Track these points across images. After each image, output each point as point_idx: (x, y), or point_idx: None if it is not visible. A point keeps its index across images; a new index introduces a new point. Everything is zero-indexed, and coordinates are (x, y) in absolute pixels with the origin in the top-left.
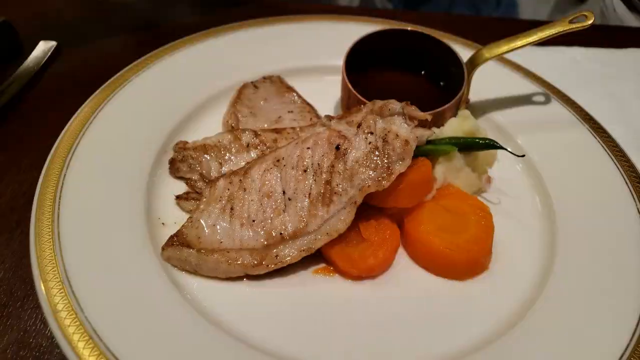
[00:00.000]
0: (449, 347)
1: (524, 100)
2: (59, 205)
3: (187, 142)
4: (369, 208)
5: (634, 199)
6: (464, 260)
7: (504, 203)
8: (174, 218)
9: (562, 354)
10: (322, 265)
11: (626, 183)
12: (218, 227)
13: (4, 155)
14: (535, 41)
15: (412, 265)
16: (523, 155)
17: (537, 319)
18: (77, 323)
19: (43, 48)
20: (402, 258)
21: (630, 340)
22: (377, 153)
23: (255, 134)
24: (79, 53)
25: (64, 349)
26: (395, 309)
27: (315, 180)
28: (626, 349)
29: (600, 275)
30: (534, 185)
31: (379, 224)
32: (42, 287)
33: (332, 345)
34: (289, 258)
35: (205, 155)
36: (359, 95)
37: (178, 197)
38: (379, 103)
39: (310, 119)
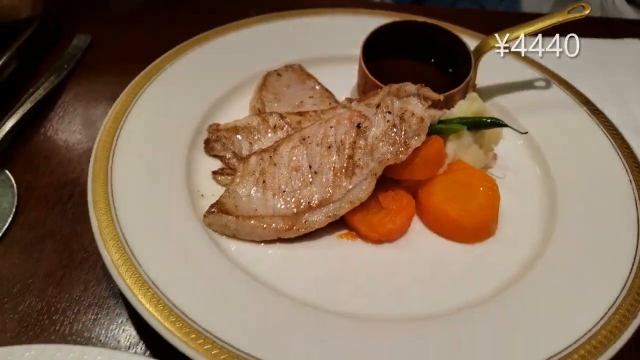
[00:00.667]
0: (459, 300)
1: (526, 85)
2: (111, 181)
3: (219, 124)
4: (387, 180)
5: (625, 169)
6: (472, 225)
7: (508, 177)
8: (211, 191)
9: (561, 304)
10: (346, 231)
11: (619, 156)
12: (253, 197)
13: (50, 141)
14: (536, 30)
15: (426, 231)
16: (526, 132)
17: (539, 275)
18: (136, 275)
19: (78, 42)
20: (416, 225)
21: (620, 292)
22: (394, 130)
23: (281, 116)
24: (112, 46)
25: (129, 298)
26: (412, 268)
27: (338, 155)
28: (616, 299)
29: (595, 236)
30: (535, 161)
31: (396, 194)
32: (104, 248)
33: (355, 297)
34: (316, 223)
35: (237, 136)
36: (375, 80)
37: (214, 173)
38: (395, 86)
39: (330, 103)
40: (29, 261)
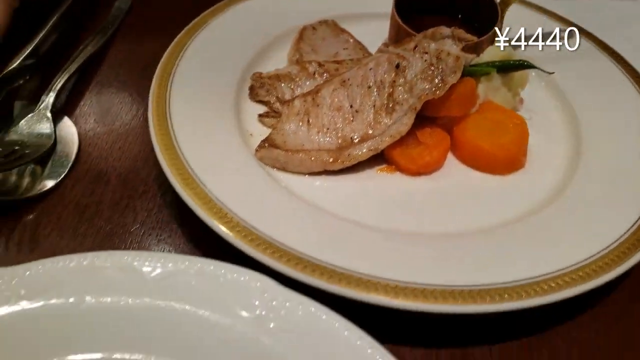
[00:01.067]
0: (491, 221)
1: (549, 35)
2: (171, 121)
3: (262, 73)
4: (424, 119)
5: None
6: (504, 157)
7: (534, 119)
8: (259, 132)
9: (586, 224)
10: (385, 165)
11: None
12: (299, 133)
13: (104, 92)
14: None
15: (460, 165)
16: (552, 73)
17: (566, 199)
18: (202, 195)
19: (119, 4)
20: (451, 160)
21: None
22: (432, 68)
23: (319, 64)
24: (152, 7)
25: (199, 214)
26: (448, 195)
27: (378, 94)
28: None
29: (617, 165)
30: (559, 104)
31: (432, 130)
32: (172, 175)
33: (398, 221)
34: (359, 157)
35: (279, 82)
36: (409, 29)
37: (260, 115)
38: (430, 30)
39: (363, 54)
40: (94, 193)
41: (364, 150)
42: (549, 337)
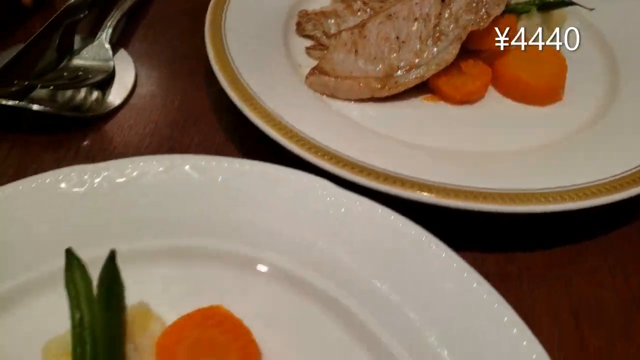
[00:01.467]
0: (532, 144)
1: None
2: (228, 48)
3: (307, 10)
4: (467, 52)
5: None
6: (543, 88)
7: (573, 56)
8: (307, 64)
9: (624, 145)
10: (429, 94)
11: None
12: (347, 62)
13: (158, 22)
14: None
15: (501, 97)
16: (592, 9)
17: (606, 125)
18: (261, 110)
19: None
20: (492, 93)
21: None
22: (476, 1)
23: (364, 2)
24: None
25: (263, 128)
26: (490, 123)
27: (424, 26)
28: None
29: None
30: (596, 43)
31: (475, 62)
32: (234, 95)
33: (443, 142)
34: (406, 84)
35: (325, 19)
36: None
37: (308, 48)
38: None
39: None
40: (153, 115)
41: (411, 78)
42: (587, 247)
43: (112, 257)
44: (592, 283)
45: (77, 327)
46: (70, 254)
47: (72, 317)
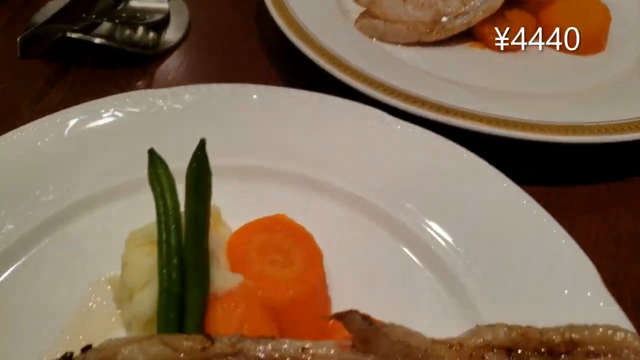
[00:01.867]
0: (577, 88)
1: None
2: None
3: None
4: (513, 3)
5: None
6: (586, 37)
7: (615, 10)
8: (356, 10)
9: None
10: (475, 41)
11: None
12: (397, 7)
13: None
14: None
15: (544, 46)
16: None
17: None
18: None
19: None
20: (536, 41)
21: None
22: None
23: None
24: None
25: (319, 63)
26: (534, 70)
27: None
28: None
29: None
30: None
31: (520, 11)
32: (296, 37)
33: (485, 82)
34: (453, 29)
35: None
36: None
37: None
38: None
39: None
40: (205, 55)
41: (458, 24)
42: (627, 185)
43: (202, 146)
44: (631, 215)
45: (162, 215)
46: (152, 154)
47: (157, 206)
